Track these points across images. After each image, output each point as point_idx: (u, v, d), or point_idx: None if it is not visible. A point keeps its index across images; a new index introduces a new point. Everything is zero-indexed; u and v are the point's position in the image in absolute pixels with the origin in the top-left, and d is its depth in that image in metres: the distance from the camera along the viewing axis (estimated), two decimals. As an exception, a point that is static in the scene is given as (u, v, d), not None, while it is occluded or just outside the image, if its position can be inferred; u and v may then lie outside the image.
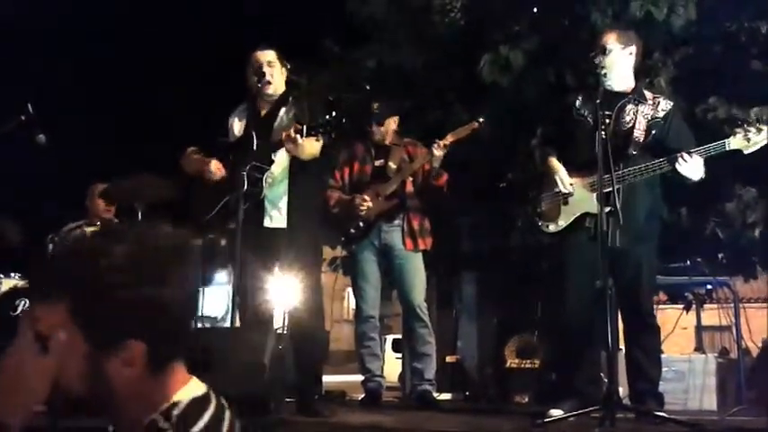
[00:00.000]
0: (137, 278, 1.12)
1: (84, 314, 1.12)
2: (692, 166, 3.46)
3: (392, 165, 4.57)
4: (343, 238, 4.63)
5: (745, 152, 3.48)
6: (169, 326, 1.16)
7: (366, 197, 4.47)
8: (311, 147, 3.65)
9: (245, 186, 3.51)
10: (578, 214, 3.64)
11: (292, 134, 3.49)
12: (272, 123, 3.82)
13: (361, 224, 4.48)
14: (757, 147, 3.46)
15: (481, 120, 4.49)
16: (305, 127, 3.48)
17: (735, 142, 3.46)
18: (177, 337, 1.19)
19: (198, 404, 1.20)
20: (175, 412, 1.16)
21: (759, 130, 3.44)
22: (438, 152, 4.36)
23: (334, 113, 3.48)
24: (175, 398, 1.18)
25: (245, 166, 3.55)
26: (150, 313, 1.12)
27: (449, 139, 4.40)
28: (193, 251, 1.20)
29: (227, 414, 1.23)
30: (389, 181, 4.51)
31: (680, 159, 3.45)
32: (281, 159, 3.77)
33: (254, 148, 3.67)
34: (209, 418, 1.19)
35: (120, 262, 1.11)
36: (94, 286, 1.11)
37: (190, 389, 1.21)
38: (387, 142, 4.64)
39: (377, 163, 4.60)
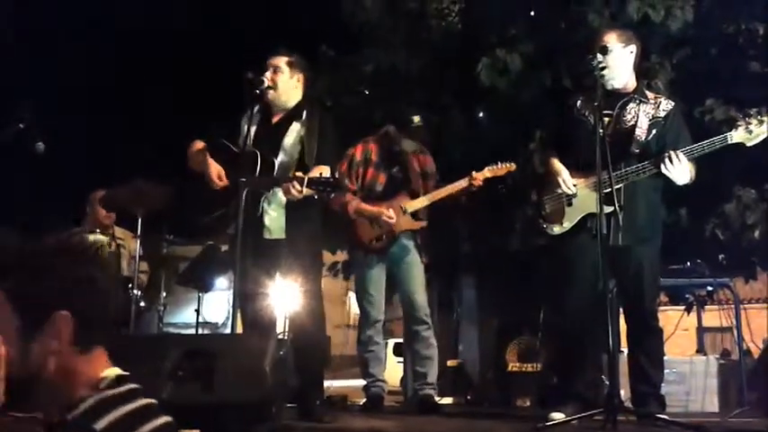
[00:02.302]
0: (69, 261, 1.32)
1: (17, 292, 1.27)
2: (677, 169, 3.44)
3: (410, 176, 4.55)
4: (357, 247, 4.60)
5: (748, 144, 3.48)
6: (94, 304, 1.32)
7: (392, 213, 4.43)
8: (308, 193, 3.57)
9: (243, 205, 3.47)
10: (582, 215, 3.64)
11: (291, 188, 3.47)
12: (282, 136, 3.78)
13: (384, 237, 4.47)
14: (759, 139, 3.46)
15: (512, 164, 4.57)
16: (306, 179, 3.45)
17: (737, 135, 3.47)
18: (100, 318, 1.34)
19: (121, 379, 1.33)
20: (101, 385, 1.29)
21: (760, 122, 3.44)
22: (478, 186, 4.42)
23: (336, 176, 3.49)
24: (102, 375, 1.31)
25: (245, 189, 3.47)
26: (77, 287, 1.30)
27: (487, 174, 4.45)
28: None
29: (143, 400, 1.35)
30: (418, 199, 4.48)
31: (665, 160, 3.44)
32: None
33: (258, 172, 3.62)
34: (125, 389, 1.31)
35: (52, 248, 1.34)
36: (29, 267, 1.29)
37: (111, 371, 1.33)
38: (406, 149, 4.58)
39: (392, 171, 4.55)
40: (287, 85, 3.84)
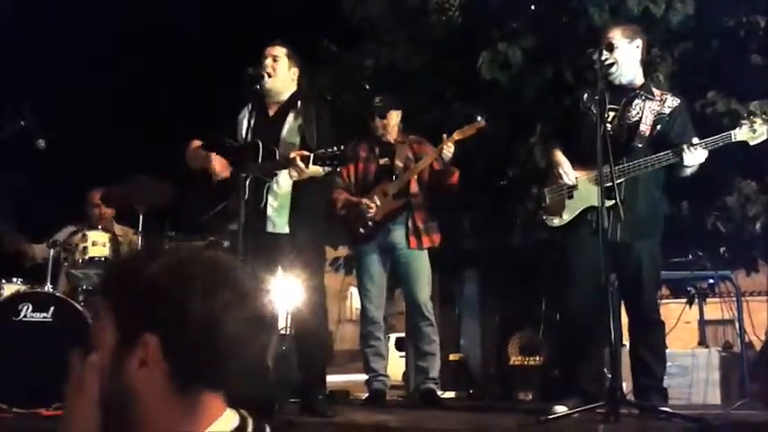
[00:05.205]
0: (177, 283, 1.08)
1: (115, 302, 1.11)
2: (695, 156, 3.46)
3: (398, 163, 4.57)
4: (352, 239, 4.64)
5: (751, 143, 3.49)
6: (194, 340, 1.07)
7: (372, 200, 4.46)
8: (315, 171, 3.58)
9: (247, 195, 3.47)
10: (582, 208, 3.64)
11: (298, 162, 3.46)
12: (280, 128, 3.79)
13: (369, 224, 4.48)
14: (763, 138, 3.48)
15: (481, 118, 4.50)
16: (312, 156, 3.46)
17: (741, 134, 3.48)
18: (204, 358, 1.08)
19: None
20: None
21: (765, 121, 3.45)
22: (448, 151, 4.37)
23: (342, 147, 3.47)
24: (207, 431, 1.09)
25: (249, 176, 3.48)
26: (172, 313, 1.07)
27: (455, 137, 4.42)
28: (240, 278, 1.14)
29: None
30: (397, 180, 4.52)
31: (686, 150, 3.45)
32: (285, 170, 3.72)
33: (260, 160, 3.62)
34: None
35: (166, 263, 1.10)
36: (131, 278, 1.10)
37: (224, 422, 1.12)
38: (391, 139, 4.64)
39: (381, 161, 4.61)
40: (285, 75, 3.85)
